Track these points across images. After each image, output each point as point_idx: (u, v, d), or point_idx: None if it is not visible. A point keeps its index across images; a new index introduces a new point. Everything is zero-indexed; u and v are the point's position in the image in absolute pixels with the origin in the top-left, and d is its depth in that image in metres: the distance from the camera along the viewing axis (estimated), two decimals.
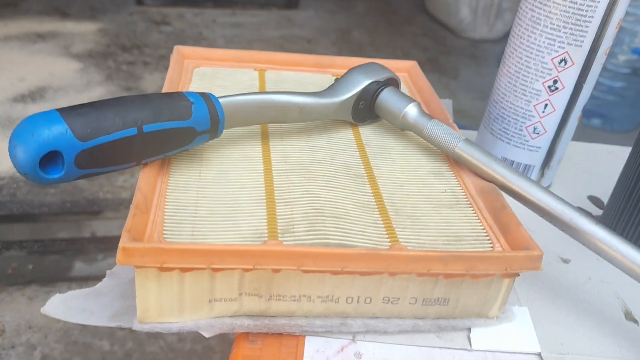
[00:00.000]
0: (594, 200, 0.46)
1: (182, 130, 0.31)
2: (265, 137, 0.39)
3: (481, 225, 0.33)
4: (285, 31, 2.51)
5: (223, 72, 0.47)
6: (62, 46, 2.03)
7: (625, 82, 1.71)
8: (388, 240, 0.30)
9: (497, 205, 0.33)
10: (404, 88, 0.48)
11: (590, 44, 0.38)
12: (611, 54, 1.72)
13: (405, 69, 0.51)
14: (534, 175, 0.44)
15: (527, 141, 0.42)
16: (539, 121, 0.41)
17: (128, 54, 2.07)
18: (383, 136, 0.41)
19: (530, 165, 0.43)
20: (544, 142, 0.42)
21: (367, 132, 0.41)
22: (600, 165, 0.51)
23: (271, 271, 0.28)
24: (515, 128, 0.42)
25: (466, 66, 2.25)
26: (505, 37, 2.65)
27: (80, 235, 1.25)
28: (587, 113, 1.75)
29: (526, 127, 0.42)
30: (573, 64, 0.39)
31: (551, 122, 0.41)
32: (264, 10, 2.73)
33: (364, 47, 2.36)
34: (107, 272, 0.33)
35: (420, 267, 0.29)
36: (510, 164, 0.35)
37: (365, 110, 0.40)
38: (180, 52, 0.47)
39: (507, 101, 0.42)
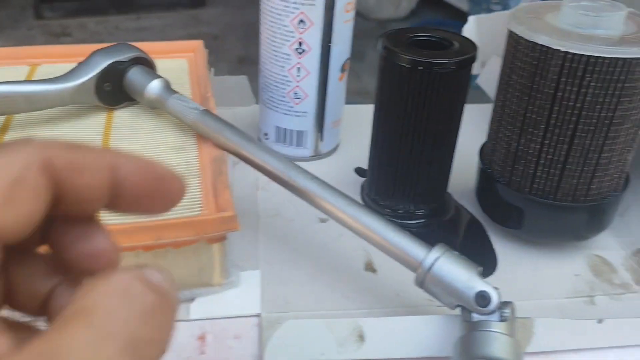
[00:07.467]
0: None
1: None
2: (4, 129, 0.37)
3: (200, 193, 0.32)
4: (192, 30, 2.47)
5: None
6: None
7: None
8: None
9: (217, 172, 0.33)
10: (185, 68, 0.47)
11: (324, 1, 0.38)
12: None
13: (191, 49, 0.50)
14: (311, 140, 0.44)
15: (292, 107, 0.42)
16: (297, 85, 0.41)
17: None
18: (138, 117, 0.40)
19: (303, 131, 0.43)
20: (309, 106, 0.42)
21: (123, 114, 0.40)
22: None
23: None
24: (279, 95, 0.42)
25: (372, 48, 2.27)
26: (411, 15, 2.69)
27: None
28: None
29: (287, 93, 0.42)
30: (312, 24, 0.39)
31: (309, 86, 0.41)
32: (170, 12, 2.67)
33: None
34: None
35: None
36: (241, 133, 0.34)
37: (117, 92, 0.39)
38: None
39: (267, 69, 0.42)
